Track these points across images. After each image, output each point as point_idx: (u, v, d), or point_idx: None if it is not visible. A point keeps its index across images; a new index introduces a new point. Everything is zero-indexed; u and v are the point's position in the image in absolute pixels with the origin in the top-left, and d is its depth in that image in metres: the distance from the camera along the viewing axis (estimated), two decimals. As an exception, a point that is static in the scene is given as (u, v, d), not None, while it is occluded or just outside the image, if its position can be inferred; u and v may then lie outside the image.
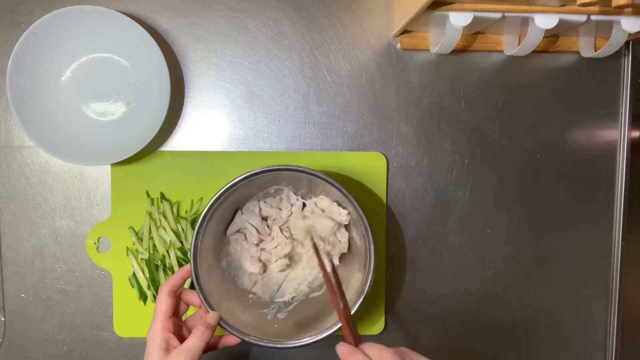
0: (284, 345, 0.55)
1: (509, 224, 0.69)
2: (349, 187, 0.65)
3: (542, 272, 0.69)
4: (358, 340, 0.48)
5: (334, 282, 0.52)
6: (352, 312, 0.54)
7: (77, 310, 0.66)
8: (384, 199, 0.66)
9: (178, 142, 0.66)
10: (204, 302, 0.54)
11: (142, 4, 0.64)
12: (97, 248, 0.65)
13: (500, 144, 0.68)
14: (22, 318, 0.65)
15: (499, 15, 0.57)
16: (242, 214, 0.63)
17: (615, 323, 0.69)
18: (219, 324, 0.53)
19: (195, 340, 0.50)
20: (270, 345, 0.55)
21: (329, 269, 0.52)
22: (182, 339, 0.52)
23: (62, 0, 0.63)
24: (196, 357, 0.49)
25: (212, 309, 0.54)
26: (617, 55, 0.68)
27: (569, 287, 0.70)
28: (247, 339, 0.55)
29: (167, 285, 0.54)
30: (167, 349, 0.50)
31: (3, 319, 0.65)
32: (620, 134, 0.69)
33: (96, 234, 0.65)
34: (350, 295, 0.57)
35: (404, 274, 0.68)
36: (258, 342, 0.54)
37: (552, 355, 0.70)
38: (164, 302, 0.52)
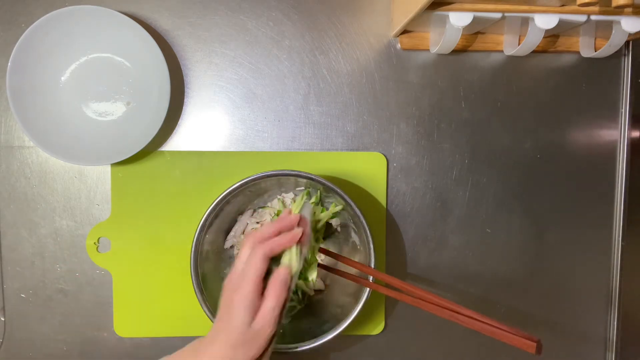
0: (283, 350, 0.55)
1: (509, 224, 0.69)
2: (349, 187, 0.65)
3: (542, 272, 0.69)
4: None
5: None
6: (356, 312, 0.54)
7: (77, 310, 0.66)
8: (384, 199, 0.66)
9: (178, 142, 0.66)
10: (207, 312, 0.54)
11: (142, 4, 0.64)
12: (97, 248, 0.65)
13: (500, 144, 0.68)
14: (22, 318, 0.65)
15: (499, 15, 0.57)
16: (239, 222, 0.63)
17: (615, 323, 0.69)
18: None
19: (271, 301, 0.45)
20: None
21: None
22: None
23: (62, 0, 0.63)
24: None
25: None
26: (617, 55, 0.68)
27: (569, 287, 0.70)
28: None
29: (264, 247, 0.47)
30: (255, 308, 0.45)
31: (3, 319, 0.65)
32: (620, 134, 0.69)
33: (96, 234, 0.65)
34: (352, 295, 0.57)
35: (404, 274, 0.68)
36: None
37: (552, 354, 0.70)
38: (259, 266, 0.46)
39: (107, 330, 0.66)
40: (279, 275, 0.46)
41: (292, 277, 0.47)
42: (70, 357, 0.66)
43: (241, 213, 0.63)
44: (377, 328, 0.67)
